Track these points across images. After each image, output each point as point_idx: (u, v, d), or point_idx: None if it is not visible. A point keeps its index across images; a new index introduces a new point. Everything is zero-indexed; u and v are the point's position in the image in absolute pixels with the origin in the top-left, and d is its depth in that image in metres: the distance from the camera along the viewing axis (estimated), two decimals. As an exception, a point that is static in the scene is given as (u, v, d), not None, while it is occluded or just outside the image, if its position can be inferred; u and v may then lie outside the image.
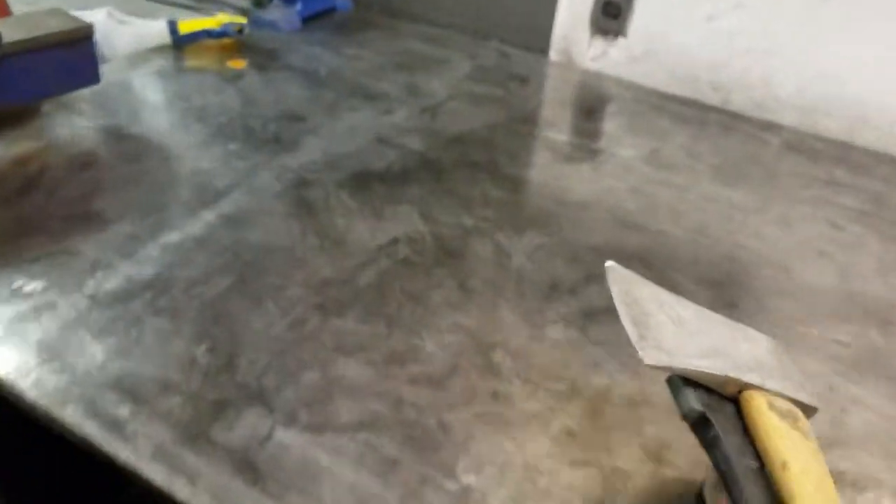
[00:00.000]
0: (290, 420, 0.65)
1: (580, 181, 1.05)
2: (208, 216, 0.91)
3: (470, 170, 1.06)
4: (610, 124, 1.25)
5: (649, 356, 0.52)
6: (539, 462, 0.63)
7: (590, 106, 1.34)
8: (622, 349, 0.72)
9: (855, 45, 1.21)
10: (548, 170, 1.08)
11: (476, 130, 1.17)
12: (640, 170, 1.10)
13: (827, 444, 0.61)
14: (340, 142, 1.10)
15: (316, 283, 0.82)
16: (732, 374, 0.54)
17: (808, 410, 0.56)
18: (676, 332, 0.56)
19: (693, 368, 0.54)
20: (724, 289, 0.86)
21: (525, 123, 1.21)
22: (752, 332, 0.62)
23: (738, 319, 0.62)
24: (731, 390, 0.55)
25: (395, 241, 0.90)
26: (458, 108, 1.24)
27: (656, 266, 0.89)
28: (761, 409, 0.53)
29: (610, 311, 0.56)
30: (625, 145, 1.16)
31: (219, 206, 0.93)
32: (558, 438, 0.66)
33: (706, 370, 0.54)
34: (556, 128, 1.22)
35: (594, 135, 1.20)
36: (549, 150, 1.13)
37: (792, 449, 0.51)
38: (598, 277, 0.84)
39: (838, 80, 1.24)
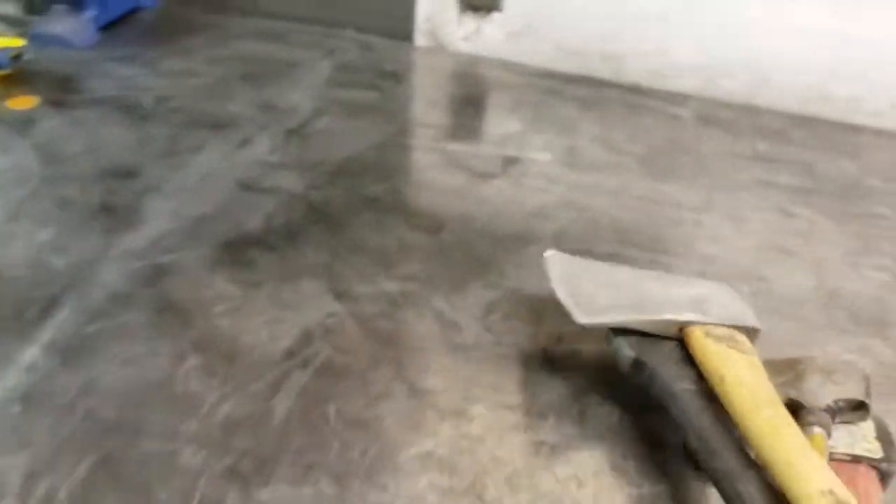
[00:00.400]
0: None
1: (505, 203, 0.88)
2: (30, 354, 0.63)
3: (371, 210, 0.85)
4: (511, 121, 1.07)
5: (583, 318, 0.60)
6: None
7: (480, 99, 1.15)
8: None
9: (748, 2, 1.12)
10: (464, 194, 0.89)
11: (362, 153, 0.95)
12: (564, 177, 0.94)
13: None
14: (194, 198, 0.84)
15: (217, 435, 0.58)
16: (668, 315, 0.61)
17: (752, 333, 0.63)
18: (612, 294, 0.63)
19: (624, 318, 0.61)
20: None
21: (416, 135, 1.01)
22: (698, 279, 0.70)
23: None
24: (672, 331, 0.61)
25: (306, 336, 0.68)
26: (330, 126, 1.01)
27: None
28: (699, 339, 0.60)
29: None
30: (536, 147, 1.00)
31: (43, 333, 0.65)
32: None
33: (639, 317, 0.61)
34: (454, 135, 1.02)
35: (500, 139, 1.02)
36: (457, 168, 0.94)
37: (727, 365, 0.57)
38: (578, 337, 0.68)
39: (736, 39, 1.15)
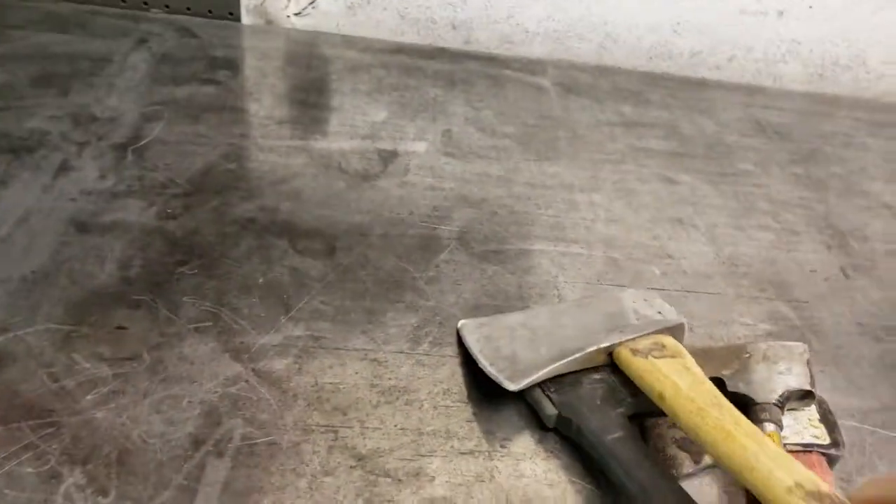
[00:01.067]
0: None
1: (396, 207, 0.79)
2: None
3: (248, 236, 0.72)
4: (375, 108, 0.97)
5: (511, 385, 0.58)
6: None
7: (332, 84, 1.03)
8: None
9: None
10: (348, 202, 0.79)
11: (215, 165, 0.81)
12: (448, 169, 0.87)
13: None
14: (13, 252, 0.66)
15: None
16: (590, 348, 0.60)
17: (677, 329, 0.63)
18: (531, 346, 0.62)
19: (550, 369, 0.59)
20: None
21: (271, 134, 0.88)
22: (609, 294, 0.70)
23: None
24: (601, 359, 0.61)
25: (211, 414, 0.56)
26: (167, 134, 0.84)
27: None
28: (626, 358, 0.60)
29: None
30: (410, 136, 0.91)
31: None
32: None
33: (563, 362, 0.59)
34: (316, 130, 0.90)
35: (369, 130, 0.92)
36: (331, 170, 0.83)
37: (660, 380, 0.57)
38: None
39: (580, 0, 1.13)
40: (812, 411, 0.60)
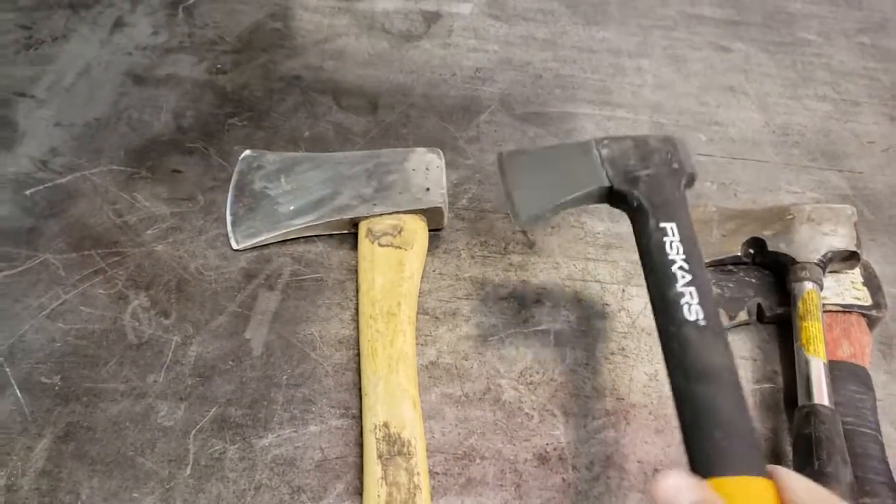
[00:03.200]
0: None
1: (439, 68, 0.78)
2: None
3: (294, 92, 0.73)
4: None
5: (237, 243, 0.59)
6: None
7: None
8: None
9: None
10: (391, 62, 0.78)
11: (262, 23, 0.81)
12: (493, 31, 0.85)
13: None
14: (76, 101, 0.69)
15: (192, 384, 0.51)
16: (334, 217, 0.59)
17: (433, 212, 0.60)
18: (284, 198, 0.61)
19: (280, 232, 0.59)
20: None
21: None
22: (413, 154, 0.64)
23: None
24: (349, 227, 0.60)
25: (263, 251, 0.59)
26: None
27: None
28: (360, 238, 0.59)
29: None
30: (452, -3, 0.89)
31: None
32: None
33: (297, 227, 0.59)
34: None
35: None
36: (374, 30, 0.82)
37: (366, 270, 0.56)
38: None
39: None
40: (856, 274, 0.59)
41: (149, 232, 0.60)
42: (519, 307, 0.59)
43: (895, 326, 0.61)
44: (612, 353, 0.57)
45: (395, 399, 0.49)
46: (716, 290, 0.60)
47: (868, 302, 0.57)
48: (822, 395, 0.51)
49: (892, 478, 0.49)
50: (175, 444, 0.48)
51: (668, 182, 0.51)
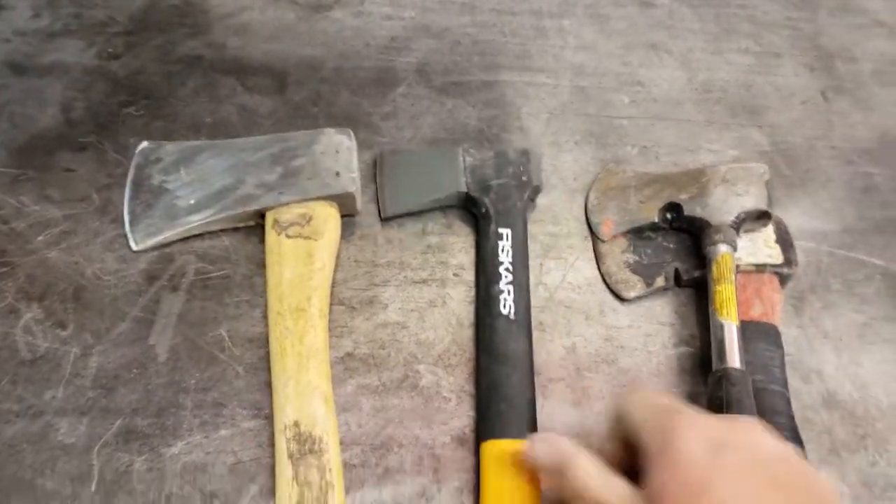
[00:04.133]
0: None
1: (351, 39, 0.75)
2: None
3: (195, 74, 0.69)
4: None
5: (136, 244, 0.56)
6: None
7: None
8: None
9: None
10: (299, 35, 0.74)
11: (156, 0, 0.76)
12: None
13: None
14: (-46, 96, 0.64)
15: (94, 396, 0.48)
16: (237, 210, 0.56)
17: (344, 198, 0.57)
18: (187, 193, 0.57)
19: (182, 229, 0.56)
20: (606, 146, 0.69)
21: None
22: (306, 135, 0.61)
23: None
24: (254, 219, 0.58)
25: (164, 250, 0.56)
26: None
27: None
28: (267, 230, 0.56)
29: None
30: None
31: None
32: None
33: (200, 223, 0.56)
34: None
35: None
36: (283, 2, 0.77)
37: (274, 264, 0.54)
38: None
39: None
40: (769, 232, 0.60)
41: (40, 238, 0.56)
42: (438, 289, 0.58)
43: (807, 281, 0.61)
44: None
45: (305, 397, 0.48)
46: (633, 257, 0.60)
47: (780, 260, 0.58)
48: (734, 357, 0.51)
49: (797, 431, 0.50)
50: (77, 462, 0.46)
51: (515, 192, 0.60)
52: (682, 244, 0.60)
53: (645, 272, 0.59)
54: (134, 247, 0.56)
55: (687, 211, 0.59)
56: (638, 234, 0.61)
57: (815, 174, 0.70)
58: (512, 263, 0.56)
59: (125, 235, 0.56)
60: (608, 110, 0.72)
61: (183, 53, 0.71)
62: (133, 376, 0.50)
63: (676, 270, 0.59)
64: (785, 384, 0.53)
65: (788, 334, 0.57)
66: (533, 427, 0.49)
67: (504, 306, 0.53)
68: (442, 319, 0.56)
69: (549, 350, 0.55)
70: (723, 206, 0.58)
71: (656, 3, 0.85)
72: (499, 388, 0.50)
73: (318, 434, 0.46)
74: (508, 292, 0.54)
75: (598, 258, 0.61)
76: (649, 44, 0.80)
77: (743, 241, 0.58)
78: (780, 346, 0.54)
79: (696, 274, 0.58)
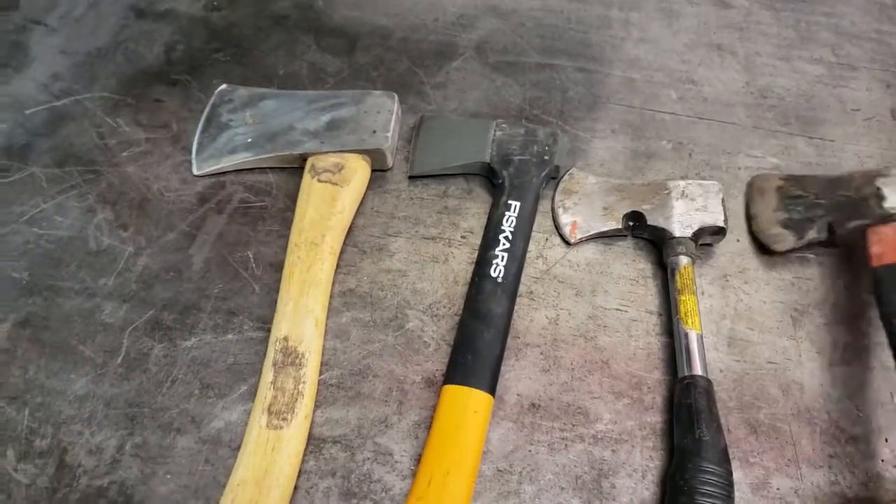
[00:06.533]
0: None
1: (423, 12, 0.81)
2: (-71, 221, 0.61)
3: (280, 31, 0.78)
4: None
5: (197, 169, 0.65)
6: None
7: None
8: None
9: None
10: (378, 4, 0.81)
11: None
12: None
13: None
14: (84, 30, 0.76)
15: (135, 289, 0.58)
16: (283, 151, 0.64)
17: (376, 154, 0.64)
18: (246, 132, 0.66)
19: (237, 161, 0.65)
20: (642, 139, 0.71)
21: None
22: (365, 96, 0.67)
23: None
24: (298, 161, 0.65)
25: (219, 178, 0.66)
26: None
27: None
28: (305, 173, 0.63)
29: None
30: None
31: (-62, 197, 0.62)
32: None
33: (253, 158, 0.65)
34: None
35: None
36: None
37: (303, 202, 0.61)
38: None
39: None
40: None
41: (124, 154, 0.67)
42: (444, 247, 0.63)
43: (725, 260, 0.61)
44: (520, 296, 0.60)
45: (299, 317, 0.55)
46: (784, 216, 0.63)
47: None
48: (698, 366, 0.54)
49: None
50: (112, 338, 0.56)
51: (533, 169, 0.64)
52: (835, 199, 0.63)
53: (797, 227, 0.62)
54: (195, 171, 0.65)
55: (650, 220, 0.62)
56: (602, 239, 0.64)
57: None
58: (513, 233, 0.60)
59: (190, 161, 0.66)
60: (653, 104, 0.74)
61: (274, 11, 0.80)
62: (170, 278, 0.60)
63: (830, 224, 0.61)
64: None
65: (780, 343, 0.58)
66: (494, 381, 0.54)
67: (494, 270, 0.58)
68: (440, 274, 0.61)
69: (532, 317, 0.59)
70: (683, 218, 0.61)
71: (734, 3, 0.84)
72: (470, 341, 0.55)
73: (301, 350, 0.53)
74: (502, 258, 0.59)
75: (748, 220, 0.65)
76: (715, 44, 0.80)
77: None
78: None
79: (852, 225, 0.61)
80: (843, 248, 0.64)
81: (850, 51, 0.80)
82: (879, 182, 0.62)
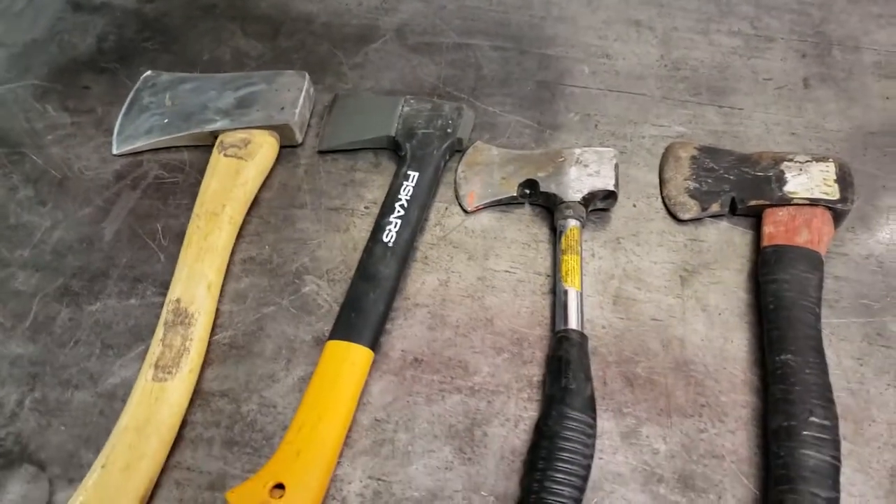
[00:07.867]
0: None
1: (351, -1, 0.84)
2: None
3: (208, 19, 0.81)
4: None
5: (116, 148, 0.69)
6: None
7: None
8: None
9: None
10: None
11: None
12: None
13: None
14: (21, 22, 0.80)
15: (48, 259, 0.62)
16: (194, 129, 0.67)
17: (284, 129, 0.67)
18: (163, 114, 0.69)
19: (151, 140, 0.68)
20: (549, 112, 0.73)
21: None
22: (274, 75, 0.70)
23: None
24: (209, 139, 0.68)
25: (137, 157, 0.69)
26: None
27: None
28: (214, 150, 0.66)
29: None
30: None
31: None
32: None
33: (165, 138, 0.68)
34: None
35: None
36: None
37: (207, 176, 0.64)
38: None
39: None
40: (830, 172, 0.62)
41: (49, 137, 0.71)
42: (347, 217, 0.65)
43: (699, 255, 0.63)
44: (415, 261, 0.62)
45: (192, 281, 0.58)
46: (693, 185, 0.65)
47: (835, 196, 0.61)
48: (574, 321, 0.56)
49: (820, 342, 0.54)
50: (22, 304, 0.60)
51: (435, 141, 0.67)
52: (742, 176, 0.64)
53: (703, 197, 0.64)
54: (114, 151, 0.69)
55: (543, 187, 0.64)
56: (498, 206, 0.66)
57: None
58: (408, 202, 0.63)
59: (111, 142, 0.70)
60: (565, 79, 0.76)
61: (204, 1, 0.83)
62: (82, 248, 0.63)
63: (733, 199, 0.63)
64: (817, 303, 0.56)
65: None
66: (375, 337, 0.56)
67: (386, 235, 0.60)
68: (339, 242, 0.64)
69: (424, 280, 0.61)
70: (574, 184, 0.63)
71: (657, -21, 0.86)
72: (357, 300, 0.57)
73: (192, 311, 0.56)
74: (395, 225, 0.61)
75: (661, 184, 0.67)
76: (633, 20, 0.82)
77: (801, 178, 0.62)
78: (819, 270, 0.58)
79: (752, 203, 0.62)
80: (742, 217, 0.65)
81: (768, 22, 0.81)
82: (784, 165, 0.63)
